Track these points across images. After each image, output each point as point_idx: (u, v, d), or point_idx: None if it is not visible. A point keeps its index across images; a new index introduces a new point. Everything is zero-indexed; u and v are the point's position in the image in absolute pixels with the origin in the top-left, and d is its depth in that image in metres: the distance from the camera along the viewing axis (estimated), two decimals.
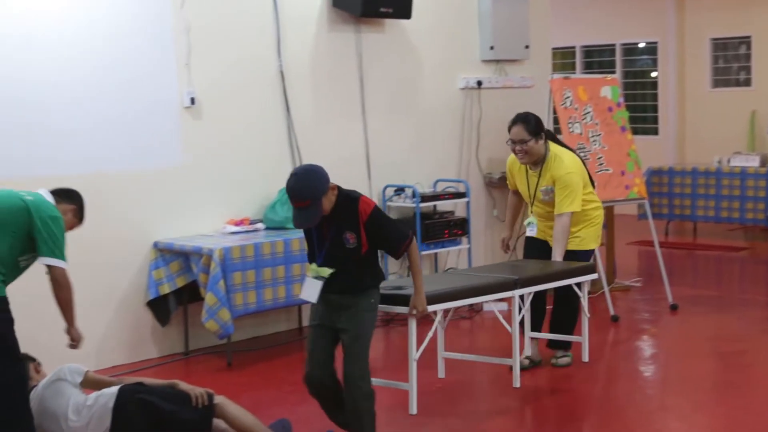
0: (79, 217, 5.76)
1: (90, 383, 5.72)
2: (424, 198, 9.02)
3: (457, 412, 6.14)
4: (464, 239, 9.32)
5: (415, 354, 5.74)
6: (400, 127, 9.42)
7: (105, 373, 7.07)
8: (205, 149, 8.03)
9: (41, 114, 7.15)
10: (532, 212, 7.21)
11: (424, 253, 9.04)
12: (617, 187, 9.08)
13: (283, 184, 8.23)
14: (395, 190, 9.19)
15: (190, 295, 7.75)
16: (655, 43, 15.75)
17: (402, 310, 5.70)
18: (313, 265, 5.29)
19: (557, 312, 7.24)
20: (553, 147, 7.03)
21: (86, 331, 7.11)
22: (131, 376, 6.22)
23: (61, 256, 5.44)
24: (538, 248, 7.22)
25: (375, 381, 5.41)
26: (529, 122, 6.93)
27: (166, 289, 7.65)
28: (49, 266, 5.42)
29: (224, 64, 8.12)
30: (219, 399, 5.61)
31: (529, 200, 7.18)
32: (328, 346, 5.34)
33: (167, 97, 7.80)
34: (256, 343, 8.02)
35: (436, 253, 9.45)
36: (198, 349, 7.93)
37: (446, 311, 6.51)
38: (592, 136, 9.05)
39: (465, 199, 9.35)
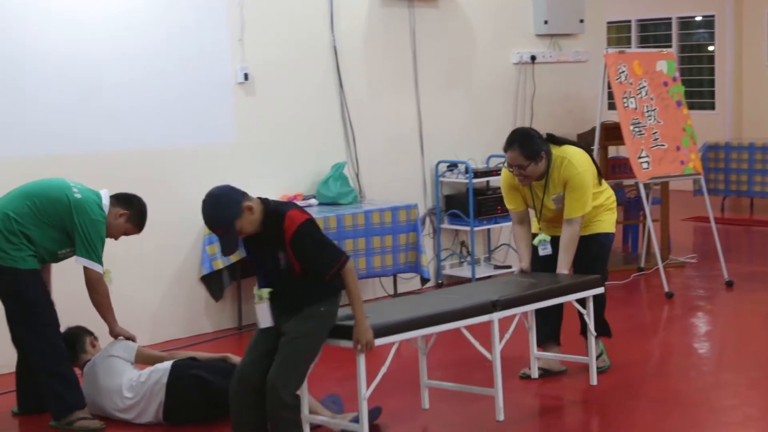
0: (134, 222, 5.89)
1: (142, 358, 5.79)
2: (477, 174, 8.99)
3: None
4: None
5: (365, 392, 4.91)
6: (454, 103, 9.38)
7: (159, 347, 7.15)
8: (259, 125, 8.06)
9: (96, 91, 7.20)
10: (540, 228, 6.42)
11: (477, 228, 9.02)
12: (672, 162, 8.99)
13: (337, 160, 8.39)
14: (448, 166, 9.17)
15: (243, 270, 7.79)
16: (712, 16, 15.56)
17: (348, 344, 4.89)
18: (256, 289, 4.91)
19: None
20: (556, 151, 6.18)
21: (141, 306, 7.25)
22: (183, 351, 6.28)
23: (96, 259, 5.64)
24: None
25: (321, 419, 5.19)
26: (525, 146, 6.04)
27: (219, 264, 7.70)
28: (84, 267, 5.59)
29: (278, 39, 8.13)
30: None
31: (537, 213, 6.37)
32: (268, 347, 4.86)
33: (221, 73, 7.82)
34: None
35: (488, 229, 9.42)
36: (251, 324, 7.94)
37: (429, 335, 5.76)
38: (647, 111, 8.96)
39: None
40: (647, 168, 8.76)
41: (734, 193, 13.03)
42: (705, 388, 6.25)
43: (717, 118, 15.37)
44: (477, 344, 5.38)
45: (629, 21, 16.36)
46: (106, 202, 5.75)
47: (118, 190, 7.19)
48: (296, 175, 8.30)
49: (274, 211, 4.79)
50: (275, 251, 4.80)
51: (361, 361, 4.84)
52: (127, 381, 5.71)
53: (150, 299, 7.51)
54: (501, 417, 5.40)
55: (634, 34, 16.39)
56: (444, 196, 9.22)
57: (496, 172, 9.18)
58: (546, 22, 9.87)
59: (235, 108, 7.92)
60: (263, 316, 4.86)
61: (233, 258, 7.69)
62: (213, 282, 7.75)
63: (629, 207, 10.49)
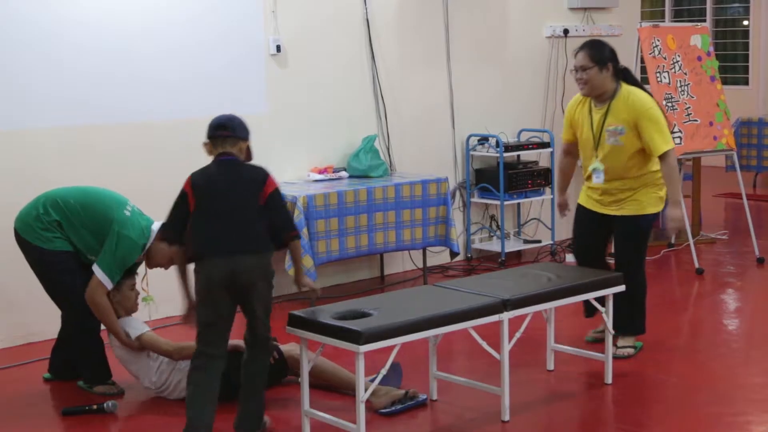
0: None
1: (146, 344, 5.74)
2: (508, 148, 8.97)
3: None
4: (547, 189, 9.26)
5: (362, 395, 4.80)
6: (485, 76, 9.35)
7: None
8: (290, 97, 8.06)
9: (129, 62, 7.22)
10: (597, 158, 6.26)
11: (507, 203, 9.00)
12: (705, 137, 8.95)
13: (368, 132, 8.39)
14: (479, 140, 9.15)
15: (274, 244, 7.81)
16: None
17: (340, 344, 4.81)
18: None
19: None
20: (627, 86, 6.18)
21: (168, 276, 7.25)
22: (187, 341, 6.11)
23: (108, 271, 5.59)
24: (589, 221, 6.39)
25: (321, 416, 5.10)
26: (594, 48, 6.17)
27: None
28: (93, 273, 5.62)
29: (310, 11, 8.13)
30: (288, 348, 5.70)
31: (593, 145, 6.23)
32: None
33: (253, 45, 7.83)
34: (338, 290, 8.08)
35: (518, 204, 9.41)
36: (281, 295, 7.99)
37: None
38: (681, 86, 8.91)
39: (549, 149, 9.28)
40: (679, 143, 8.71)
41: (767, 169, 12.94)
42: (734, 365, 6.24)
43: (751, 93, 15.25)
44: (485, 344, 5.21)
45: None
46: (155, 228, 5.73)
47: (148, 159, 7.27)
48: (327, 147, 8.30)
49: None
50: None
51: (360, 364, 4.73)
52: (143, 374, 5.78)
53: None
54: (506, 417, 5.27)
55: (668, 8, 16.27)
56: (474, 170, 9.21)
57: (526, 146, 9.17)
58: None
59: (267, 80, 7.92)
60: None
61: None
62: None
63: None
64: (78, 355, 5.95)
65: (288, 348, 5.73)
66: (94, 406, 5.56)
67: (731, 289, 8.19)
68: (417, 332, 4.94)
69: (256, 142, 7.79)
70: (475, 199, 9.19)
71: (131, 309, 5.85)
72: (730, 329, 7.13)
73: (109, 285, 5.62)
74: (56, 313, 6.81)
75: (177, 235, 4.96)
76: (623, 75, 6.23)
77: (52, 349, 6.17)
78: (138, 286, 5.95)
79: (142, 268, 5.99)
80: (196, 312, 4.95)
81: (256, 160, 7.81)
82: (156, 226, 5.74)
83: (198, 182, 4.93)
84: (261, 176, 5.02)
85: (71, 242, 5.72)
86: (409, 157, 8.75)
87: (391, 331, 4.83)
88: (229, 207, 4.89)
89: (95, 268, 5.60)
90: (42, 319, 6.84)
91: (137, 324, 5.77)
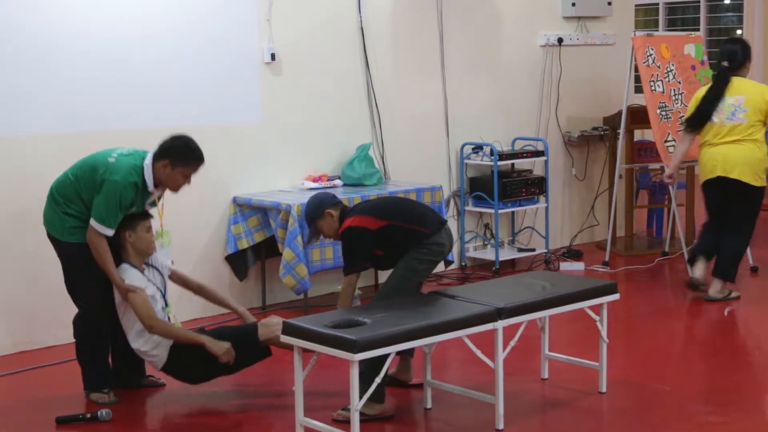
0: (181, 164, 5.66)
1: (130, 301, 5.62)
2: (502, 156, 8.98)
3: None
4: (542, 198, 9.26)
5: (357, 403, 4.78)
6: (479, 84, 9.37)
7: (184, 326, 7.19)
8: (285, 105, 8.07)
9: (124, 69, 7.22)
10: None
11: (501, 211, 9.00)
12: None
13: (362, 141, 8.39)
14: (473, 148, 9.15)
15: (267, 250, 7.82)
16: None
17: (336, 352, 4.78)
18: None
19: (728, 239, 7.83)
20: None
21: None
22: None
23: (97, 216, 5.52)
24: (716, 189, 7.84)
25: (315, 424, 5.09)
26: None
27: (244, 244, 7.73)
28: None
29: (305, 19, 8.13)
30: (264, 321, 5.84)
31: None
32: None
33: (248, 53, 7.83)
34: (333, 298, 8.03)
35: (513, 212, 9.42)
36: (275, 303, 8.01)
37: None
38: (675, 95, 8.92)
39: (543, 158, 9.29)
40: (673, 151, 8.71)
41: None
42: (728, 374, 6.24)
43: None
44: (479, 353, 5.20)
45: (657, 4, 16.27)
46: (148, 161, 5.63)
47: None
48: (321, 155, 8.31)
49: (341, 217, 5.65)
50: None
51: (355, 371, 4.71)
52: (129, 323, 5.76)
53: None
54: (500, 426, 5.26)
55: (661, 17, 16.30)
56: (468, 179, 9.21)
57: (521, 154, 9.18)
58: (573, 5, 9.84)
59: (262, 88, 7.93)
60: None
61: (258, 237, 7.74)
62: (238, 262, 7.78)
63: (655, 191, 10.45)
64: (77, 356, 5.89)
65: (264, 321, 5.87)
66: (88, 415, 5.55)
67: None
68: (411, 341, 4.94)
69: (250, 150, 7.86)
70: (470, 208, 9.20)
71: (146, 251, 5.78)
72: (725, 338, 7.13)
73: (106, 231, 5.52)
74: (52, 321, 6.82)
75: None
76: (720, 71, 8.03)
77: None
78: (156, 225, 5.94)
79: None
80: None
81: (252, 167, 7.84)
82: (149, 158, 5.63)
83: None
84: None
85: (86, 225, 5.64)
86: (403, 165, 8.76)
87: (385, 339, 4.82)
88: None
89: (90, 221, 5.54)
90: (37, 327, 6.84)
91: (137, 280, 5.68)
